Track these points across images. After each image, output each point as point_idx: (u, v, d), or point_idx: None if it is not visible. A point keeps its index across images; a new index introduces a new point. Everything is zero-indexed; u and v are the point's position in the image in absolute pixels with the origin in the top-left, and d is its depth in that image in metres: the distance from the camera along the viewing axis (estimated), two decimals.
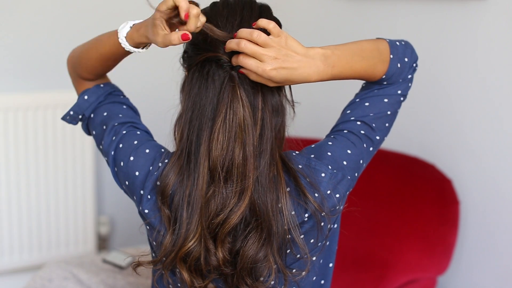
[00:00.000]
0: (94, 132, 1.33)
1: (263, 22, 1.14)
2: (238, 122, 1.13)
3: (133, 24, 1.20)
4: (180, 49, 1.26)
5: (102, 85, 1.36)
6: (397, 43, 1.31)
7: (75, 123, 1.38)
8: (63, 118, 1.37)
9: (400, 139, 2.12)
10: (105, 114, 1.32)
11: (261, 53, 1.11)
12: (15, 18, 2.49)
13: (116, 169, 1.27)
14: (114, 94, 1.36)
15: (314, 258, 1.26)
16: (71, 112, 1.35)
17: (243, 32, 1.13)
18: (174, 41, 1.08)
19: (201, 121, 1.16)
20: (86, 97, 1.33)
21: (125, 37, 1.19)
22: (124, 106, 1.34)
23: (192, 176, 1.16)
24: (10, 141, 2.48)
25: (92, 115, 1.33)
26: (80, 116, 1.35)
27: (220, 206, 1.14)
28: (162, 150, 1.27)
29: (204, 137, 1.15)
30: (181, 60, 1.25)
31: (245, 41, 1.12)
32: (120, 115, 1.31)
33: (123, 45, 1.20)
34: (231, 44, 1.13)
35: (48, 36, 2.55)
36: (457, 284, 2.16)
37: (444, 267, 2.03)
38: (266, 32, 1.13)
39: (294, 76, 1.14)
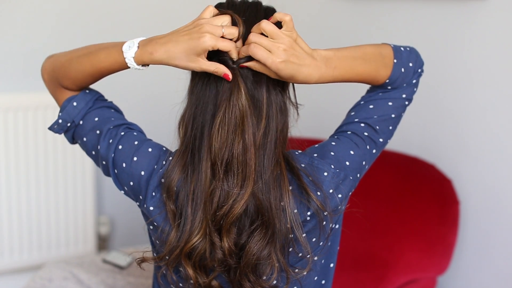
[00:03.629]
0: (85, 139, 1.31)
1: (279, 14, 1.15)
2: (238, 114, 1.13)
3: (139, 42, 1.18)
4: None
5: (87, 91, 1.34)
6: (402, 48, 1.32)
7: (61, 132, 1.35)
8: (51, 128, 1.35)
9: (400, 139, 2.12)
10: (96, 119, 1.30)
11: (271, 43, 1.12)
12: (15, 18, 2.49)
13: (116, 171, 1.27)
14: (101, 99, 1.35)
15: (316, 258, 1.26)
16: (60, 121, 1.32)
17: (254, 27, 1.14)
18: (220, 72, 1.13)
19: (204, 117, 1.17)
20: (75, 103, 1.31)
21: (133, 57, 1.18)
22: (112, 110, 1.33)
23: (196, 172, 1.17)
24: (10, 141, 2.48)
25: (81, 122, 1.32)
26: (68, 124, 1.32)
27: (223, 198, 1.15)
28: (164, 148, 1.27)
29: (206, 132, 1.16)
30: None
31: (254, 33, 1.13)
32: (112, 119, 1.31)
33: (130, 65, 1.19)
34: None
35: (48, 36, 2.55)
36: (457, 284, 2.16)
37: (444, 267, 2.03)
38: (280, 27, 1.14)
39: (298, 73, 1.14)
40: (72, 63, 1.29)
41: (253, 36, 1.12)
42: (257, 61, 1.13)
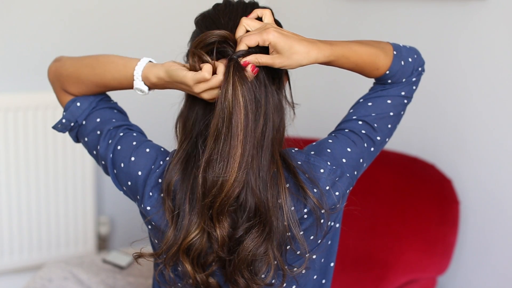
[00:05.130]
0: (86, 139, 1.33)
1: (259, 10, 1.18)
2: (227, 107, 1.12)
3: (148, 87, 1.23)
4: (183, 47, 1.26)
5: None
6: (401, 44, 1.33)
7: (65, 131, 1.36)
8: (54, 127, 1.36)
9: (400, 139, 2.12)
10: (98, 120, 1.31)
11: (259, 29, 1.13)
12: (15, 18, 2.49)
13: (115, 171, 1.28)
14: (105, 100, 1.35)
15: (314, 257, 1.26)
16: (64, 120, 1.34)
17: (237, 29, 1.16)
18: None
19: (203, 115, 1.17)
20: (78, 104, 1.32)
21: (149, 89, 1.23)
22: (115, 111, 1.34)
23: (195, 169, 1.17)
24: (10, 141, 2.48)
25: (84, 122, 1.33)
26: (72, 124, 1.33)
27: (208, 187, 1.14)
28: (162, 149, 1.28)
29: (204, 130, 1.16)
30: (185, 58, 1.25)
31: (240, 36, 1.15)
32: (114, 120, 1.31)
33: (146, 90, 1.24)
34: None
35: (48, 36, 2.55)
36: (457, 284, 2.16)
37: (444, 267, 2.03)
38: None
39: (297, 43, 1.14)
40: (81, 78, 1.30)
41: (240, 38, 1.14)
42: (254, 54, 1.13)
